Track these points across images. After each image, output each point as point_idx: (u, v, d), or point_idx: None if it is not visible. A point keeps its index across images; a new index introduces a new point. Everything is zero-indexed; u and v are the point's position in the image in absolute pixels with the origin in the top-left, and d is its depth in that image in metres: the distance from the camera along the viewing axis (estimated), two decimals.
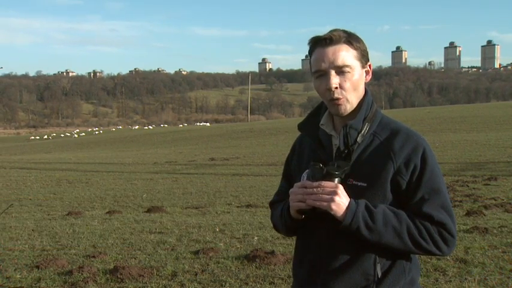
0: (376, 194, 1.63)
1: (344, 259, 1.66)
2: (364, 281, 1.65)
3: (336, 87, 1.65)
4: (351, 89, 1.67)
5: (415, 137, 1.67)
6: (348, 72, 1.65)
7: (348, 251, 1.66)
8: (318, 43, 1.67)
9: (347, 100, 1.67)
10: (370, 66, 1.74)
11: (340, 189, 1.58)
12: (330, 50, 1.64)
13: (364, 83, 1.73)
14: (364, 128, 1.69)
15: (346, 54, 1.64)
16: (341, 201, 1.57)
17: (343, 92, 1.66)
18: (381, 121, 1.73)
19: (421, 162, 1.64)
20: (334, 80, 1.64)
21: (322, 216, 1.63)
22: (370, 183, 1.64)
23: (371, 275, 1.64)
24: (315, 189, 1.58)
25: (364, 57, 1.70)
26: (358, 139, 1.67)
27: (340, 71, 1.65)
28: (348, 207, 1.58)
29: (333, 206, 1.57)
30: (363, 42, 1.71)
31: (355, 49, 1.67)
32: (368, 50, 1.74)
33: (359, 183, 1.64)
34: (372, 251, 1.64)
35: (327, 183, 1.58)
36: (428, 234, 1.61)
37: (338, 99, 1.66)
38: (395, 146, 1.65)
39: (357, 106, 1.71)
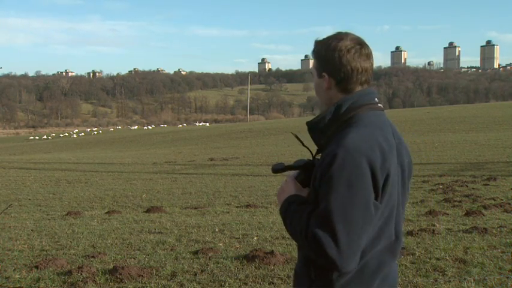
0: (313, 198, 1.70)
1: (299, 260, 1.80)
2: (308, 281, 1.72)
3: None
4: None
5: (337, 144, 1.62)
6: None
7: (300, 252, 1.80)
8: None
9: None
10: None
11: (286, 183, 1.81)
12: None
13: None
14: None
15: None
16: (280, 192, 1.82)
17: None
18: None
19: (325, 168, 1.61)
20: None
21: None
22: (311, 187, 1.74)
23: (310, 278, 1.71)
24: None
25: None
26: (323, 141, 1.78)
27: None
28: (281, 200, 1.79)
29: (277, 196, 1.85)
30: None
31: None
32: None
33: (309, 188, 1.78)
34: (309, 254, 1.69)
35: (288, 176, 1.84)
36: (314, 239, 1.58)
37: None
38: (323, 153, 1.68)
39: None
